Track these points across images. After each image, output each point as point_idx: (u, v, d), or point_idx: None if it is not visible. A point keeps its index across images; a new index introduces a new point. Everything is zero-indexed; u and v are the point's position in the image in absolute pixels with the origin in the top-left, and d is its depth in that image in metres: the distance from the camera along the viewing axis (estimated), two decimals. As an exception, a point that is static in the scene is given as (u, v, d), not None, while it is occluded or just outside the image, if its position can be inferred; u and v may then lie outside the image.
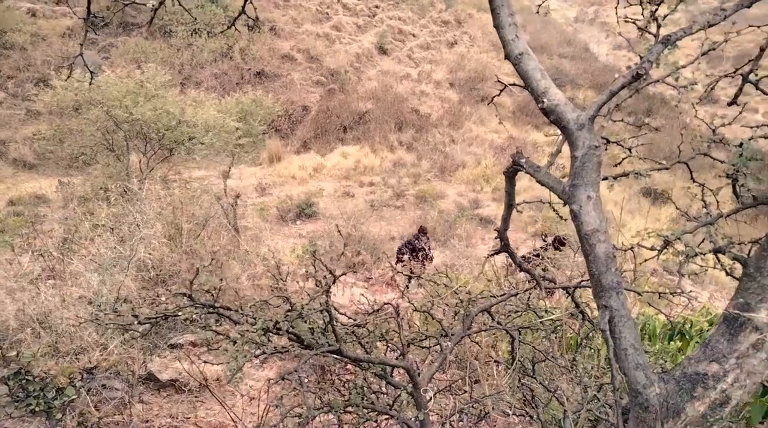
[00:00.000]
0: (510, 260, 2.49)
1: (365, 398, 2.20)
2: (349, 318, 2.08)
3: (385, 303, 2.01)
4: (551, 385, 2.47)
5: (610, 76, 27.16)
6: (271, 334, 1.73)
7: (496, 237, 2.09)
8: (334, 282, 1.64)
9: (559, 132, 1.83)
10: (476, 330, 2.16)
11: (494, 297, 2.30)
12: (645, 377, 1.52)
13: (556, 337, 2.78)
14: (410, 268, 8.85)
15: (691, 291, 2.51)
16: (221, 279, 1.58)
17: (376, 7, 24.99)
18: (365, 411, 2.29)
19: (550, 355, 2.46)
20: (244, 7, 2.44)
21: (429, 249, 9.95)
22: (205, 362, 3.01)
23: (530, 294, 2.74)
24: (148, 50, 17.61)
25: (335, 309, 1.95)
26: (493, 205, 15.92)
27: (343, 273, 1.68)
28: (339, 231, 2.22)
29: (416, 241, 9.99)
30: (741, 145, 1.55)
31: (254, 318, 1.54)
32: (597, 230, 1.52)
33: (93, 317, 3.67)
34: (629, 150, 2.15)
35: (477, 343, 2.96)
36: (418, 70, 23.28)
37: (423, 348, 2.31)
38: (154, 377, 5.21)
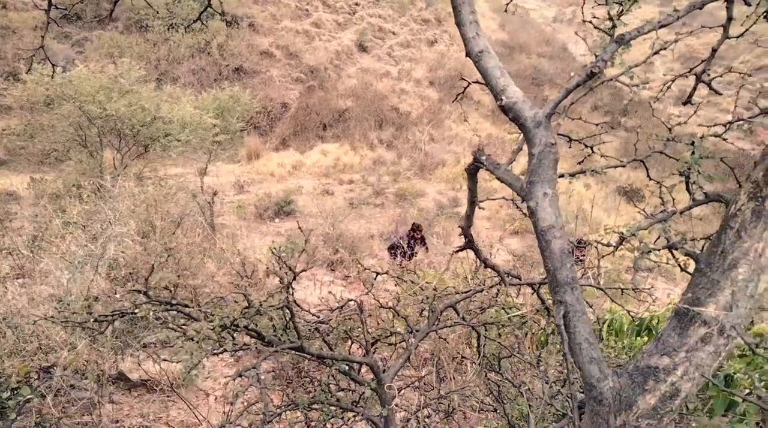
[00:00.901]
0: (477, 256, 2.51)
1: (331, 395, 2.20)
2: (314, 315, 2.07)
3: (349, 300, 2.01)
4: (517, 381, 2.50)
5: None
6: (231, 331, 1.72)
7: (460, 234, 2.10)
8: (294, 279, 1.63)
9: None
10: (441, 326, 2.18)
11: (460, 293, 2.31)
12: (599, 371, 1.55)
13: (523, 334, 2.81)
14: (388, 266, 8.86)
15: (651, 287, 2.56)
16: (178, 276, 1.56)
17: (356, 4, 24.92)
18: (332, 408, 2.29)
19: (516, 351, 2.48)
20: (210, 0, 2.41)
21: (413, 246, 9.93)
22: (164, 360, 2.97)
23: (498, 290, 2.76)
24: (124, 45, 17.29)
25: (298, 305, 1.94)
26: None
27: (303, 270, 1.67)
28: (300, 228, 2.18)
29: (399, 240, 9.97)
30: (693, 143, 1.58)
31: (213, 315, 1.53)
32: (553, 226, 1.54)
33: (50, 315, 3.59)
34: (591, 148, 2.18)
35: (445, 340, 2.98)
36: (398, 68, 23.29)
37: (390, 344, 2.32)
38: (125, 376, 5.14)
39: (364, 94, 20.62)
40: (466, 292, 2.25)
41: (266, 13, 21.34)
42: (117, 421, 4.76)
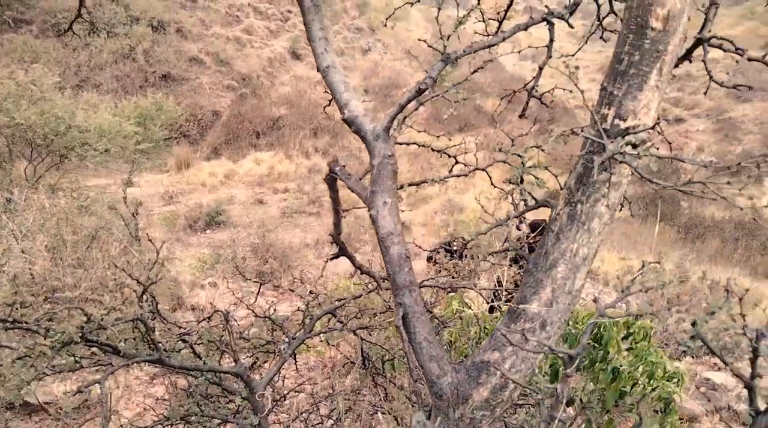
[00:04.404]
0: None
1: (206, 406, 2.20)
2: (179, 327, 2.07)
3: (216, 311, 2.02)
4: (399, 382, 2.58)
5: (518, 84, 28.58)
6: (85, 346, 1.70)
7: (332, 243, 2.17)
8: (144, 293, 1.64)
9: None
10: (317, 332, 2.23)
11: (339, 300, 2.38)
12: (438, 368, 1.64)
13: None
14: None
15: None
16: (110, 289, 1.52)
17: (289, 11, 24.78)
18: (213, 420, 2.28)
19: (396, 353, 2.57)
20: (80, 10, 2.34)
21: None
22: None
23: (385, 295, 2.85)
24: (39, 49, 16.39)
25: (163, 317, 1.94)
26: (407, 210, 16.26)
27: (153, 282, 1.68)
28: (152, 238, 2.11)
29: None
30: (521, 155, 1.72)
31: (55, 332, 1.51)
32: (392, 233, 1.63)
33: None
34: (455, 158, 2.31)
35: (335, 347, 3.04)
36: (332, 77, 23.31)
37: (270, 353, 2.35)
38: (24, 401, 4.87)
39: (298, 101, 20.52)
40: (342, 299, 2.32)
41: (195, 18, 20.85)
42: (13, 448, 4.51)
